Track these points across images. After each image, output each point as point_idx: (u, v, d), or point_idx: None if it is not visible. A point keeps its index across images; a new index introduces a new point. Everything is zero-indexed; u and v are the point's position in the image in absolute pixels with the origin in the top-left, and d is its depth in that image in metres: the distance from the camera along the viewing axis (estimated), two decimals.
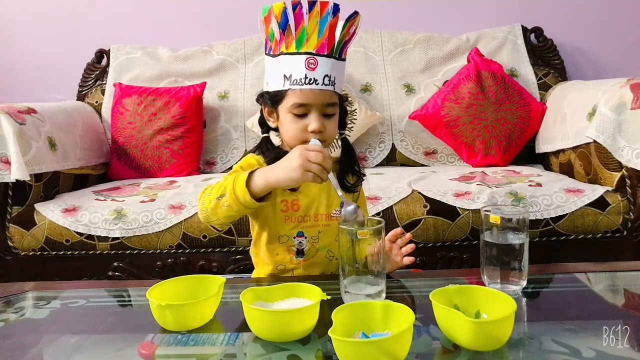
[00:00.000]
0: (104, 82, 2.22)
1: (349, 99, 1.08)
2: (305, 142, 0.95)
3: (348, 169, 1.06)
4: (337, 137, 1.07)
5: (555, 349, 0.69)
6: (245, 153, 2.06)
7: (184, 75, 2.18)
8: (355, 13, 0.95)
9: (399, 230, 0.98)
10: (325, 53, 0.93)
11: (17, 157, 1.51)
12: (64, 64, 2.34)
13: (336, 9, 0.93)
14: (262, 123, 1.06)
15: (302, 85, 0.93)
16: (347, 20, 0.95)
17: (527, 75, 2.13)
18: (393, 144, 2.07)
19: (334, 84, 0.95)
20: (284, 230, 1.01)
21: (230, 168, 2.05)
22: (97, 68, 2.27)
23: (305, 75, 0.93)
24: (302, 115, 0.95)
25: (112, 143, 2.06)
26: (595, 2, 2.28)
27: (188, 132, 2.00)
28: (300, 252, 1.02)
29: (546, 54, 2.21)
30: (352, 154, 1.08)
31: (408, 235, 0.98)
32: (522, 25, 2.21)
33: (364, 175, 1.08)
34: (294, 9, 0.92)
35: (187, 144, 2.00)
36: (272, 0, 0.94)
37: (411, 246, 0.97)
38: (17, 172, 1.50)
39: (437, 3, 2.31)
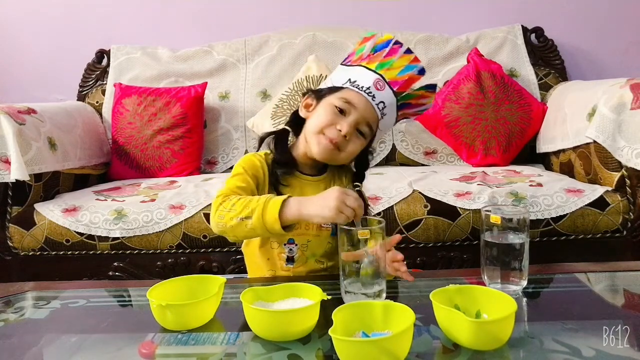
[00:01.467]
0: (104, 82, 2.22)
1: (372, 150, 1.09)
2: (324, 135, 0.96)
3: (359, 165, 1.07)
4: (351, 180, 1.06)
5: (555, 349, 0.69)
6: (246, 153, 2.07)
7: (185, 75, 2.18)
8: (432, 86, 1.02)
9: (391, 241, 0.93)
10: (395, 89, 0.97)
11: (16, 157, 1.50)
12: (64, 64, 2.34)
13: (421, 72, 0.99)
14: (292, 116, 1.07)
15: (360, 90, 0.96)
16: (422, 88, 1.00)
17: (528, 75, 2.13)
18: (393, 143, 2.07)
19: (383, 114, 0.98)
20: (274, 237, 1.01)
21: (231, 168, 2.08)
22: (97, 68, 2.27)
23: (369, 87, 0.96)
24: (341, 112, 0.96)
25: (112, 143, 2.06)
26: (595, 2, 2.28)
27: (189, 132, 2.00)
28: (290, 260, 1.02)
29: (547, 54, 2.21)
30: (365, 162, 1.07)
31: (397, 236, 0.95)
32: (522, 26, 2.21)
33: (368, 165, 1.08)
34: (395, 44, 0.99)
35: (188, 144, 2.00)
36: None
37: (400, 261, 0.92)
38: (16, 172, 1.50)
39: (437, 3, 2.31)
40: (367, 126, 0.98)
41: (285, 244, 1.01)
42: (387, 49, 0.98)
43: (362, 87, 0.96)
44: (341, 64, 1.03)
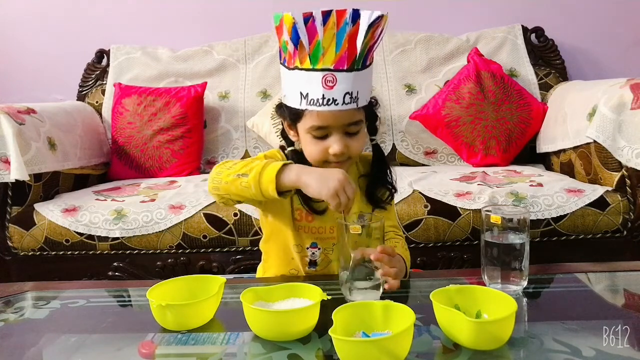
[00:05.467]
0: (104, 82, 2.22)
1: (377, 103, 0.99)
2: (327, 162, 0.92)
3: (378, 182, 1.01)
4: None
5: (555, 349, 0.69)
6: (246, 153, 2.07)
7: (185, 75, 2.18)
8: (380, 17, 0.84)
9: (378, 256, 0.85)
10: (345, 68, 0.84)
11: (16, 157, 1.50)
12: (64, 64, 2.34)
13: (356, 15, 0.83)
14: (285, 135, 1.00)
15: (319, 106, 0.86)
16: (371, 26, 0.83)
17: (528, 75, 2.13)
18: (394, 143, 2.06)
19: (357, 99, 0.87)
20: (297, 240, 1.00)
21: None
22: (97, 68, 2.27)
23: (323, 95, 0.85)
24: (322, 137, 0.90)
25: (112, 143, 2.06)
26: (596, 3, 2.28)
27: (189, 132, 2.00)
28: (313, 263, 1.01)
29: (547, 54, 2.20)
30: (384, 165, 1.02)
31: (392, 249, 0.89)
32: (522, 25, 2.21)
33: (396, 190, 1.03)
34: (305, 23, 0.83)
35: (188, 144, 2.00)
36: (284, 7, 0.86)
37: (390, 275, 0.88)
38: (16, 172, 1.50)
39: (437, 3, 2.31)
40: (354, 124, 0.90)
41: (308, 247, 1.00)
42: (304, 37, 0.83)
43: (317, 100, 0.86)
44: (281, 64, 0.92)
